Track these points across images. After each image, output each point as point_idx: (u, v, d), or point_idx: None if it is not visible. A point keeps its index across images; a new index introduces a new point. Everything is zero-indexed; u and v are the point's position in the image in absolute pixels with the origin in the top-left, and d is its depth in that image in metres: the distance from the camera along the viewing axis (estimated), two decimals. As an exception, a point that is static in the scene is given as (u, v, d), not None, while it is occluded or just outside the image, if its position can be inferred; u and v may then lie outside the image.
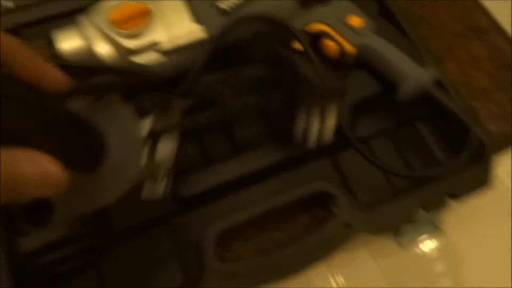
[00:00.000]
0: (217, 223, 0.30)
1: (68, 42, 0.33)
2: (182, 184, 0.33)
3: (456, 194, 0.32)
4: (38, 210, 0.32)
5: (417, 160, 0.38)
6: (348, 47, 0.36)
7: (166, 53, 0.33)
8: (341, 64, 0.37)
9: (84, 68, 0.32)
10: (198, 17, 0.34)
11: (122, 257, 0.33)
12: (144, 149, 0.25)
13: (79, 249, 0.31)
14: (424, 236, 0.36)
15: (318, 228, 0.31)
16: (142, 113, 0.26)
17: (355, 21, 0.36)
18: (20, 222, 0.31)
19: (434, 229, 0.35)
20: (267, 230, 0.35)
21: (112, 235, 0.33)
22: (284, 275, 0.30)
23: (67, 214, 0.31)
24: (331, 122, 0.32)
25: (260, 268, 0.30)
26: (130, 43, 0.33)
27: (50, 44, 0.33)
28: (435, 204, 0.32)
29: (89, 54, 0.34)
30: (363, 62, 0.37)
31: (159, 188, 0.28)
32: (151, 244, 0.33)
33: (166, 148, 0.27)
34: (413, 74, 0.35)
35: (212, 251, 0.29)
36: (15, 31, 0.35)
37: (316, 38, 0.37)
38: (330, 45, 0.37)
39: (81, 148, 0.22)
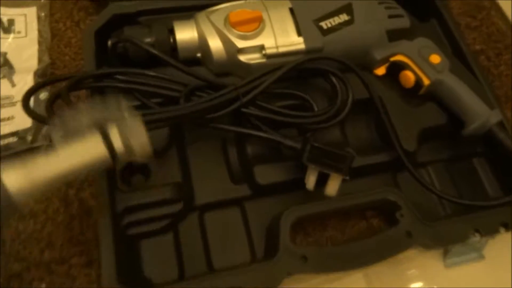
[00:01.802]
0: (295, 208, 0.34)
1: (186, 32, 0.38)
2: (258, 173, 0.37)
3: (509, 225, 0.36)
4: (135, 174, 0.37)
5: (469, 192, 0.41)
6: (424, 80, 0.40)
7: (268, 56, 0.38)
8: (414, 93, 0.41)
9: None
10: (300, 30, 0.38)
11: (197, 227, 0.36)
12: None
13: (164, 213, 0.35)
14: (469, 260, 0.39)
15: (383, 231, 0.34)
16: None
17: (434, 58, 0.41)
18: (118, 182, 0.35)
19: (480, 255, 0.38)
20: (327, 229, 0.38)
21: (192, 206, 0.36)
22: (348, 268, 0.33)
23: (162, 180, 0.35)
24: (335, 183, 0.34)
25: (329, 256, 0.33)
26: (240, 43, 0.37)
27: (170, 31, 0.38)
28: (488, 231, 0.36)
29: (201, 46, 0.38)
30: (434, 95, 0.41)
31: None
32: (224, 221, 0.37)
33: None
34: (481, 114, 0.39)
35: (288, 233, 0.33)
36: (136, 16, 0.40)
37: (397, 68, 0.41)
38: (408, 75, 0.41)
39: None
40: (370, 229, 0.39)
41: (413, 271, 0.38)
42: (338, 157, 0.33)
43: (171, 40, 0.38)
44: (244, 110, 0.35)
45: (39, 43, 0.42)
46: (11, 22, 0.43)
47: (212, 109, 0.33)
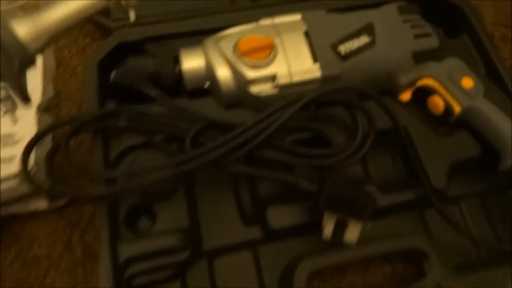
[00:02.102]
0: (309, 260, 0.31)
1: (193, 61, 0.36)
2: (271, 215, 0.34)
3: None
4: (140, 217, 0.35)
5: (505, 229, 0.37)
6: (455, 107, 0.36)
7: (280, 87, 0.35)
8: (443, 121, 0.37)
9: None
10: (316, 56, 0.35)
11: (207, 275, 0.34)
12: None
13: (170, 261, 0.32)
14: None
15: (405, 282, 0.31)
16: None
17: (466, 81, 0.37)
18: (121, 227, 0.33)
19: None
20: (346, 276, 0.35)
21: (201, 252, 0.34)
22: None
23: (168, 225, 0.33)
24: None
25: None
26: (251, 73, 0.34)
27: (176, 60, 0.36)
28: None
29: (209, 76, 0.36)
30: (466, 123, 0.37)
31: None
32: (235, 266, 0.34)
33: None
34: (520, 145, 0.34)
35: (303, 288, 0.30)
36: (141, 43, 0.38)
37: (425, 93, 0.37)
38: (436, 101, 0.37)
39: None
40: (395, 275, 0.35)
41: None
42: (358, 202, 0.30)
43: (178, 69, 0.36)
44: (255, 153, 0.32)
45: (43, 73, 0.41)
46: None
47: (220, 157, 0.31)
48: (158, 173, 0.30)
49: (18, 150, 0.36)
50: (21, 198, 0.34)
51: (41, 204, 0.35)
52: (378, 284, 0.35)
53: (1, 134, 0.36)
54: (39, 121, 0.37)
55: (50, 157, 0.30)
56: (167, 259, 0.32)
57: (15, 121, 0.37)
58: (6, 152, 0.35)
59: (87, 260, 0.35)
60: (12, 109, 0.38)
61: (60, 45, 0.43)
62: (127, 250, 0.31)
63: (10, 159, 0.35)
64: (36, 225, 0.36)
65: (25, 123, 0.37)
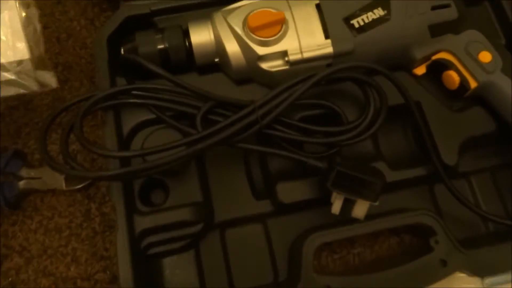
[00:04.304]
0: (318, 234, 0.32)
1: (202, 36, 0.35)
2: (281, 190, 0.35)
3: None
4: (154, 191, 0.36)
5: (516, 205, 0.38)
6: (471, 81, 0.35)
7: (291, 63, 0.34)
8: (458, 96, 0.37)
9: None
10: (328, 31, 0.34)
11: (219, 245, 0.35)
12: None
13: (184, 233, 0.34)
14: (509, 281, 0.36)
15: (411, 254, 0.32)
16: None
17: (483, 55, 0.35)
18: (136, 201, 0.34)
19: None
20: (355, 247, 0.36)
21: (213, 223, 0.35)
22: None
23: (181, 199, 0.34)
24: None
25: (354, 285, 0.31)
26: (261, 50, 0.34)
27: (185, 34, 0.35)
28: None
29: (219, 51, 0.35)
30: (482, 99, 0.36)
31: None
32: (246, 238, 0.36)
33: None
34: (537, 122, 0.34)
35: (311, 261, 0.31)
36: (149, 16, 0.37)
37: (440, 67, 0.36)
38: (452, 76, 0.36)
39: None
40: (402, 246, 0.37)
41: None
42: (367, 183, 0.30)
43: (187, 44, 0.35)
44: (265, 131, 0.32)
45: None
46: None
47: (231, 136, 0.31)
48: (170, 153, 0.31)
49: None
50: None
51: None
52: (385, 255, 0.36)
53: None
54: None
55: (65, 137, 0.31)
56: (181, 232, 0.33)
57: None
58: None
59: (105, 229, 0.36)
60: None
61: (69, 16, 0.43)
62: (143, 222, 0.32)
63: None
64: (55, 198, 0.37)
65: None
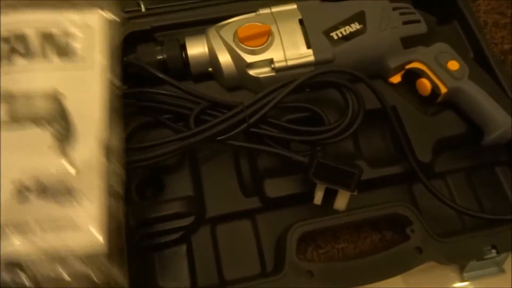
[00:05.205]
0: (301, 223, 0.34)
1: (197, 48, 0.39)
2: (268, 186, 0.37)
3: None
4: (150, 185, 0.38)
5: (488, 202, 0.40)
6: (441, 88, 0.39)
7: (277, 70, 0.38)
8: (431, 102, 0.40)
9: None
10: (310, 42, 0.38)
11: (210, 239, 0.37)
12: None
13: (176, 226, 0.36)
14: (488, 274, 0.38)
15: (391, 247, 0.34)
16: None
17: (452, 64, 0.39)
18: (132, 195, 0.37)
19: (500, 269, 0.36)
20: (339, 242, 0.38)
21: (205, 218, 0.37)
22: (355, 283, 0.33)
23: (174, 194, 0.37)
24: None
25: (335, 272, 0.33)
26: (249, 58, 0.38)
27: (182, 47, 0.39)
28: (506, 248, 0.34)
29: (212, 61, 0.39)
30: (452, 103, 0.40)
31: None
32: (235, 233, 0.38)
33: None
34: (502, 123, 0.37)
35: (294, 248, 0.33)
36: (151, 32, 0.42)
37: (413, 76, 0.40)
38: (424, 83, 0.39)
39: None
40: (383, 242, 0.39)
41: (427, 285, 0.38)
42: (346, 173, 0.33)
43: (183, 55, 0.39)
44: (252, 129, 0.35)
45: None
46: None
47: (220, 133, 0.34)
48: (164, 146, 0.34)
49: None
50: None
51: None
52: (367, 250, 0.38)
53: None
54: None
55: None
56: (174, 224, 0.36)
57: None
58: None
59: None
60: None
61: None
62: (138, 213, 0.35)
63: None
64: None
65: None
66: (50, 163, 0.27)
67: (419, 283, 0.38)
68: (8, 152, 0.27)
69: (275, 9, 0.40)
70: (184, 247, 0.37)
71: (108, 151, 0.28)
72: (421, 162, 0.37)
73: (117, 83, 0.31)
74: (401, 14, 0.40)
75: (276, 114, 0.38)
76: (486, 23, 0.49)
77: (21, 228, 0.26)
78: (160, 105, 0.37)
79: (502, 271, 0.37)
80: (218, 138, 0.35)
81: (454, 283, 0.39)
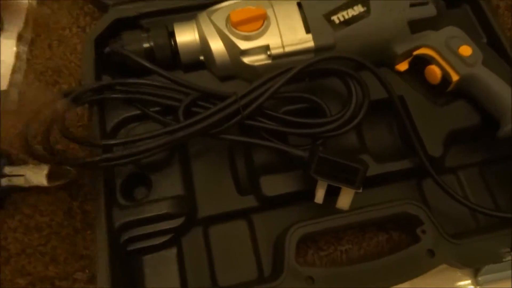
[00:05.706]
0: (301, 224, 0.31)
1: (187, 35, 0.36)
2: (265, 183, 0.34)
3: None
4: (136, 185, 0.35)
5: (504, 199, 0.37)
6: (453, 75, 0.36)
7: (273, 57, 0.35)
8: (441, 90, 0.37)
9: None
10: (309, 26, 0.35)
11: (202, 241, 0.35)
12: None
13: (165, 227, 0.33)
14: (504, 278, 0.35)
15: (400, 250, 0.31)
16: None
17: (464, 49, 0.36)
18: (118, 195, 0.34)
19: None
20: (342, 243, 0.35)
21: (196, 219, 0.34)
22: (360, 289, 0.30)
23: (163, 193, 0.34)
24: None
25: (337, 277, 0.30)
26: (243, 45, 0.34)
27: (170, 34, 0.36)
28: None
29: (203, 49, 0.36)
30: (465, 92, 0.36)
31: None
32: (230, 234, 0.35)
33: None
34: (520, 112, 0.34)
35: (294, 251, 0.30)
36: (137, 19, 0.39)
37: (422, 63, 0.37)
38: (433, 70, 0.36)
39: None
40: (390, 243, 0.35)
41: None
42: (350, 169, 0.30)
43: (172, 43, 0.36)
44: (248, 122, 0.32)
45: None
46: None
47: (212, 126, 0.31)
48: (151, 141, 0.31)
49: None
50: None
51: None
52: (373, 252, 0.35)
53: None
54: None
55: (47, 130, 0.31)
56: (163, 225, 0.33)
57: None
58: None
59: (87, 227, 0.36)
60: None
61: (61, 25, 0.44)
62: (122, 215, 0.32)
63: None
64: (37, 196, 0.37)
65: None
66: None
67: (425, 283, 0.35)
68: None
69: (271, -9, 0.37)
70: (174, 251, 0.34)
71: None
72: (431, 157, 0.34)
73: None
74: (408, -5, 0.37)
75: (273, 105, 0.35)
76: (498, 6, 0.46)
77: None
78: (147, 97, 0.34)
79: (519, 274, 0.34)
80: (210, 131, 0.32)
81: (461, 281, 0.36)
